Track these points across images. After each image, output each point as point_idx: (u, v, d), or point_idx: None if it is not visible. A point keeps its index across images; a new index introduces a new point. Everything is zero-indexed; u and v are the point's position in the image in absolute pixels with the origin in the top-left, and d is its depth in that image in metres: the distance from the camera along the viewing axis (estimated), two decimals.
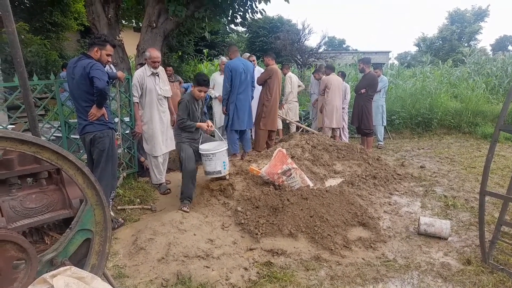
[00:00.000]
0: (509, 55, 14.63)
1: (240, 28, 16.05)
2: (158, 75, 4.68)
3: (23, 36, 9.98)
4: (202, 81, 4.09)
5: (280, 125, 7.81)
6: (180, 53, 13.04)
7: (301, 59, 14.18)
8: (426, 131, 9.58)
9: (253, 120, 6.36)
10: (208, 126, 4.17)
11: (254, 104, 6.48)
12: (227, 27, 10.33)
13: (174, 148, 4.92)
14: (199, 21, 7.60)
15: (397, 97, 10.29)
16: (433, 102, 9.78)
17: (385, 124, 8.42)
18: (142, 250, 3.25)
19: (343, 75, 8.17)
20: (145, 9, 6.56)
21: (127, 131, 4.96)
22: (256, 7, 7.44)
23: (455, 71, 13.75)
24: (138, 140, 5.04)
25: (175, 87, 7.35)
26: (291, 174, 4.12)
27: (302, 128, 8.16)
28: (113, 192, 3.95)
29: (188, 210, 3.85)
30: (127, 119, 5.03)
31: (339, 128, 7.78)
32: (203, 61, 14.59)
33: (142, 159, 5.25)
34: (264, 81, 6.28)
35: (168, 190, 4.79)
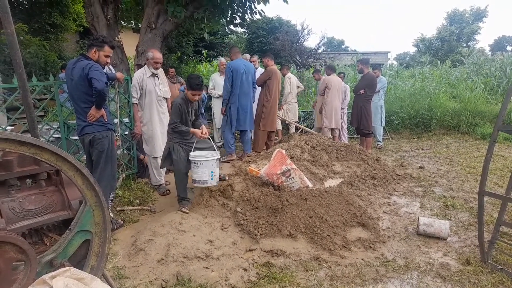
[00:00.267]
0: (508, 55, 14.66)
1: (239, 29, 16.10)
2: (157, 76, 4.69)
3: (22, 37, 9.98)
4: (195, 85, 3.79)
5: (279, 126, 7.82)
6: (179, 54, 13.06)
7: (300, 60, 14.20)
8: (425, 132, 9.59)
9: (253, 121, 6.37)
10: (202, 133, 3.92)
11: (254, 105, 6.49)
12: (226, 28, 10.35)
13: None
14: (198, 22, 7.62)
15: (396, 98, 10.31)
16: (432, 102, 9.80)
17: (384, 124, 8.43)
18: (141, 251, 3.25)
19: (342, 75, 8.19)
20: (144, 10, 6.57)
21: (126, 132, 4.95)
22: (255, 7, 7.46)
23: (454, 72, 13.78)
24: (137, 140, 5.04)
25: (177, 88, 7.36)
26: (290, 175, 4.13)
27: (301, 129, 8.16)
28: (113, 193, 3.95)
29: (187, 211, 3.85)
30: (126, 120, 5.03)
31: (338, 129, 7.79)
32: (202, 62, 14.60)
33: (142, 156, 5.24)
34: (263, 82, 6.29)
35: (168, 191, 4.78)
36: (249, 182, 4.26)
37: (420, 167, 6.22)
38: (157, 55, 4.56)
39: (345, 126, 8.14)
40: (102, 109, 3.53)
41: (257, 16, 7.89)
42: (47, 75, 7.51)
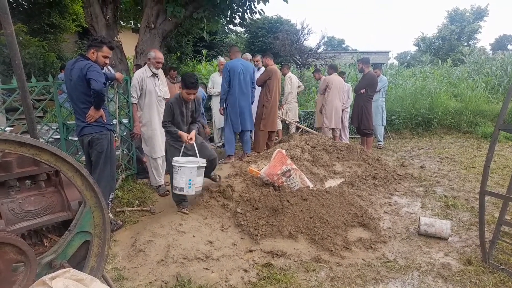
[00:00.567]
0: (509, 54, 14.62)
1: (239, 29, 16.09)
2: (157, 77, 4.68)
3: (21, 38, 9.98)
4: (190, 83, 3.66)
5: (279, 126, 7.81)
6: (178, 54, 13.06)
7: (300, 59, 14.18)
8: (426, 131, 9.58)
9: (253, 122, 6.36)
10: (187, 138, 3.73)
11: (254, 105, 6.48)
12: (226, 27, 10.36)
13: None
14: (198, 22, 7.62)
15: (396, 97, 10.30)
16: (433, 101, 9.79)
17: (385, 124, 8.42)
18: (141, 252, 3.24)
19: (343, 75, 8.17)
20: (144, 10, 6.57)
21: (125, 133, 4.94)
22: (255, 7, 7.46)
23: (454, 71, 13.77)
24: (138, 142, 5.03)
25: (177, 88, 7.36)
26: (290, 175, 4.12)
27: (301, 129, 8.15)
28: (112, 194, 3.94)
29: (187, 211, 3.84)
30: (125, 120, 5.02)
31: (339, 129, 7.78)
32: (201, 62, 14.59)
33: (145, 159, 5.22)
34: (263, 82, 6.28)
35: (167, 192, 4.77)
36: (249, 182, 4.26)
37: (421, 167, 6.21)
38: (159, 55, 4.57)
39: (347, 126, 8.12)
40: (101, 109, 3.52)
41: (257, 16, 7.90)
42: (46, 75, 7.51)
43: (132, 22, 10.13)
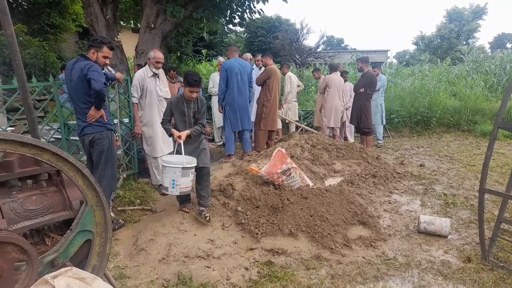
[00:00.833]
0: (507, 52, 14.65)
1: (239, 28, 16.05)
2: (158, 76, 4.69)
3: (21, 38, 9.98)
4: (193, 81, 3.58)
5: (279, 125, 7.82)
6: (178, 54, 13.06)
7: (299, 59, 14.18)
8: (425, 130, 9.59)
9: (251, 121, 6.36)
10: (176, 137, 3.62)
11: (253, 105, 6.49)
12: (226, 27, 10.34)
13: (173, 149, 4.94)
14: (198, 22, 7.63)
15: (396, 96, 10.31)
16: (432, 100, 9.80)
17: (384, 123, 8.43)
18: (142, 250, 3.26)
19: (346, 75, 8.14)
20: (143, 10, 6.57)
21: (124, 132, 4.95)
22: (254, 7, 7.46)
23: (453, 69, 13.77)
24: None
25: (176, 87, 7.37)
26: (290, 174, 4.13)
27: (301, 128, 8.16)
28: (113, 193, 3.95)
29: (188, 210, 3.85)
30: (126, 120, 5.03)
31: (339, 128, 7.80)
32: (201, 62, 14.59)
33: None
34: (263, 82, 6.29)
35: None
36: (249, 181, 4.27)
37: (421, 165, 6.22)
38: (159, 54, 4.57)
39: (352, 126, 8.09)
40: (102, 109, 3.53)
41: (256, 15, 7.90)
42: (47, 75, 7.52)
43: (132, 22, 10.12)
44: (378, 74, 7.74)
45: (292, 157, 4.85)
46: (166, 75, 5.90)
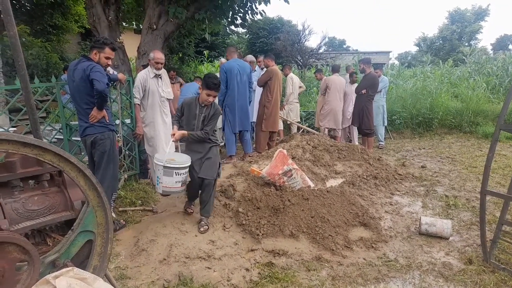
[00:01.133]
0: (510, 54, 14.60)
1: (240, 30, 16.09)
2: (160, 77, 4.70)
3: (24, 39, 10.02)
4: (212, 84, 3.42)
5: (281, 126, 7.83)
6: (180, 55, 13.08)
7: (301, 60, 14.21)
8: (427, 131, 9.58)
9: (251, 122, 6.37)
10: (171, 134, 3.57)
11: (253, 105, 6.49)
12: (227, 28, 10.37)
13: (174, 150, 4.95)
14: (200, 23, 7.64)
15: (397, 97, 10.30)
16: (434, 102, 9.78)
17: (386, 124, 8.42)
18: (143, 251, 3.27)
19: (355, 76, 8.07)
20: (146, 11, 6.59)
21: (126, 133, 4.96)
22: (256, 8, 7.47)
23: (455, 71, 13.74)
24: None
25: (176, 88, 7.38)
26: (292, 175, 4.13)
27: (302, 129, 8.16)
28: (115, 194, 3.96)
29: (192, 211, 3.86)
30: (128, 121, 5.05)
31: (340, 129, 7.80)
32: (203, 63, 14.63)
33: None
34: (264, 83, 6.29)
35: None
36: (250, 182, 4.27)
37: (422, 167, 6.21)
38: (158, 55, 4.57)
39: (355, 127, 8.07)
40: (104, 110, 3.54)
41: (258, 17, 7.91)
42: (49, 76, 7.54)
43: (134, 23, 10.17)
44: (379, 76, 7.73)
45: (293, 158, 4.85)
46: None
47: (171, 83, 6.68)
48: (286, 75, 8.14)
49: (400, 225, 3.93)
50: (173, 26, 6.62)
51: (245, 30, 18.45)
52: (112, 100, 4.66)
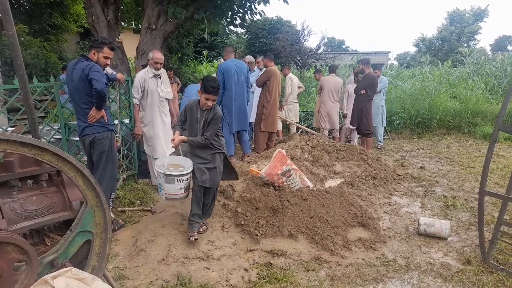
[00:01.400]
0: (508, 55, 14.65)
1: (240, 30, 16.10)
2: (160, 77, 4.70)
3: (22, 39, 9.99)
4: (210, 88, 3.24)
5: (280, 126, 7.83)
6: (179, 55, 13.07)
7: (300, 60, 14.21)
8: (425, 132, 9.59)
9: (249, 121, 6.36)
10: (171, 140, 3.44)
11: (250, 105, 6.48)
12: (227, 28, 10.36)
13: (174, 150, 4.95)
14: (199, 23, 7.63)
15: (396, 98, 10.31)
16: (433, 102, 9.79)
17: (385, 124, 8.43)
18: (142, 251, 3.26)
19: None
20: (145, 11, 6.58)
21: (125, 133, 4.95)
22: (255, 8, 7.47)
23: (454, 72, 13.77)
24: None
25: (173, 88, 7.37)
26: (290, 175, 4.13)
27: (301, 129, 8.17)
28: (113, 194, 3.96)
29: (197, 238, 3.40)
30: (127, 121, 5.04)
31: (338, 130, 7.81)
32: (202, 63, 14.63)
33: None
34: (263, 83, 6.29)
35: None
36: (249, 182, 4.27)
37: (421, 167, 6.22)
38: (157, 55, 4.56)
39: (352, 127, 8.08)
40: (103, 110, 3.53)
41: (257, 17, 7.90)
42: (48, 76, 7.52)
43: (133, 23, 10.16)
44: (379, 76, 7.74)
45: (292, 158, 4.85)
46: None
47: (169, 83, 6.68)
48: (285, 76, 8.15)
49: (399, 226, 3.94)
50: (172, 26, 6.61)
51: (244, 30, 18.46)
52: (111, 100, 4.65)
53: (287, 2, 7.48)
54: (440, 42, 31.47)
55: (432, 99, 9.90)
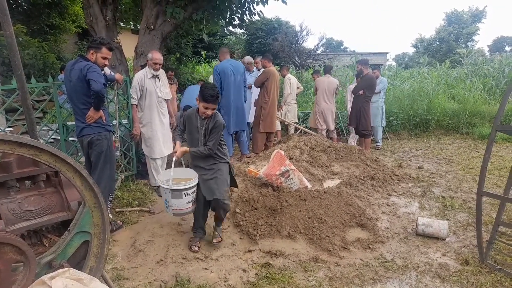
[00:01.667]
0: (506, 56, 14.71)
1: (238, 30, 16.10)
2: (158, 78, 4.69)
3: (20, 39, 9.96)
4: (209, 96, 3.04)
5: (278, 127, 7.84)
6: (178, 55, 13.06)
7: (299, 61, 14.22)
8: (424, 132, 9.61)
9: (247, 122, 6.37)
10: (173, 151, 3.30)
11: (248, 105, 6.49)
12: (225, 29, 10.35)
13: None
14: (197, 23, 7.63)
15: (394, 98, 10.33)
16: (431, 103, 9.82)
17: (384, 125, 8.44)
18: (140, 252, 3.26)
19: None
20: (143, 11, 6.57)
21: (123, 133, 4.95)
22: (254, 8, 7.46)
23: (452, 72, 13.80)
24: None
25: (173, 89, 7.38)
26: (289, 176, 4.13)
27: (300, 130, 8.17)
28: (112, 195, 3.95)
29: (198, 248, 3.38)
30: (125, 121, 5.03)
31: (332, 130, 7.83)
32: (201, 63, 14.63)
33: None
34: (261, 84, 6.29)
35: None
36: (248, 183, 4.27)
37: (419, 168, 6.23)
38: (156, 56, 4.56)
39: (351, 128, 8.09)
40: (101, 110, 3.53)
41: (256, 17, 7.89)
42: (46, 76, 7.51)
43: (131, 23, 10.12)
44: (377, 76, 7.76)
45: (290, 159, 4.85)
46: None
47: (169, 83, 6.67)
48: (283, 76, 8.16)
49: (397, 226, 3.94)
50: (171, 26, 6.60)
51: (242, 31, 18.48)
52: (109, 101, 4.65)
53: (285, 3, 7.48)
54: (438, 43, 31.57)
55: (430, 100, 9.92)
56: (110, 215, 3.81)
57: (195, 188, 3.21)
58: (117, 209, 4.18)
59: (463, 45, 29.01)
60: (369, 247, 3.44)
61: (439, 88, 11.03)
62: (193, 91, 7.61)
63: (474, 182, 5.25)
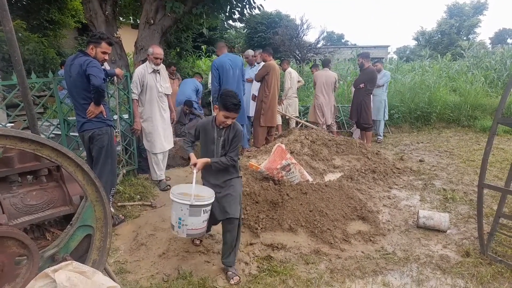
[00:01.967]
0: (508, 48, 14.58)
1: (238, 24, 16.02)
2: (159, 72, 4.69)
3: (20, 34, 9.94)
4: (231, 104, 2.73)
5: (279, 121, 7.83)
6: (178, 50, 13.00)
7: (299, 55, 14.17)
8: (425, 125, 9.59)
9: (247, 116, 6.36)
10: (192, 164, 2.87)
11: (246, 98, 6.48)
12: (225, 23, 10.30)
13: (173, 145, 4.96)
14: (197, 17, 7.58)
15: (396, 91, 10.29)
16: (432, 96, 9.78)
17: (386, 118, 8.42)
18: (143, 245, 3.29)
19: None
20: (143, 5, 6.54)
21: (124, 128, 4.95)
22: (254, 2, 7.42)
23: (454, 65, 13.72)
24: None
25: (175, 84, 7.36)
26: (290, 169, 4.14)
27: (301, 123, 8.17)
28: (113, 189, 3.97)
29: (199, 242, 3.33)
30: (126, 116, 5.04)
31: (329, 124, 7.82)
32: (201, 57, 14.57)
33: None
34: (262, 78, 6.27)
35: (168, 187, 4.80)
36: (249, 176, 4.28)
37: (420, 161, 6.23)
38: (157, 50, 4.55)
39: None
40: (101, 105, 3.53)
41: (256, 11, 7.84)
42: (46, 71, 7.50)
43: (131, 18, 10.06)
44: (380, 69, 7.73)
45: (291, 152, 4.86)
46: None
47: (171, 78, 6.66)
48: (284, 70, 8.13)
49: (398, 219, 3.96)
50: (171, 20, 6.57)
51: (243, 25, 18.36)
52: (109, 95, 4.65)
53: None
54: (439, 36, 31.36)
55: (432, 93, 9.89)
56: (112, 210, 3.83)
57: (211, 205, 2.80)
58: (119, 204, 4.20)
59: (465, 38, 28.78)
60: (370, 240, 3.45)
61: (440, 81, 10.98)
62: (188, 84, 7.60)
63: (475, 175, 5.26)
